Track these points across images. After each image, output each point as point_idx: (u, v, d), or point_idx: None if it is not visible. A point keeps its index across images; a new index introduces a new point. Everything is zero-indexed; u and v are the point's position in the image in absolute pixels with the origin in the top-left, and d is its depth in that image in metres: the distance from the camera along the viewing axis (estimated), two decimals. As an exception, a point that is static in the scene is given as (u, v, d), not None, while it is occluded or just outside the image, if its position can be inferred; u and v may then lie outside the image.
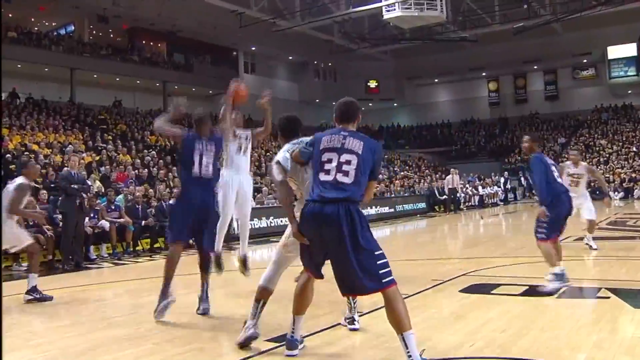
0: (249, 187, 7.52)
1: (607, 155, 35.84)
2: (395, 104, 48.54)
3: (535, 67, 44.76)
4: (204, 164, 6.45)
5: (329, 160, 4.19)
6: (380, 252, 4.02)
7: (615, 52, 41.14)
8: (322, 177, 4.17)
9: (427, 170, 35.68)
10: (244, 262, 7.63)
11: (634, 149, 35.58)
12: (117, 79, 32.18)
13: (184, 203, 6.48)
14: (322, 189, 4.12)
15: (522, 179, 35.45)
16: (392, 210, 24.47)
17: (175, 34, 34.22)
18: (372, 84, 45.10)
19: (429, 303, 6.58)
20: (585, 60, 43.21)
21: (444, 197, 27.13)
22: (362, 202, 4.18)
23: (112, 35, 34.17)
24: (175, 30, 33.76)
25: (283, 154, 4.81)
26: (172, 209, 6.56)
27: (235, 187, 7.25)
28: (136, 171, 18.56)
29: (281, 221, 16.98)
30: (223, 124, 7.01)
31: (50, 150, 18.97)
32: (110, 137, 22.96)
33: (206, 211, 6.53)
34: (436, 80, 48.23)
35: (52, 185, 14.14)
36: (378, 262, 3.98)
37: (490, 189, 31.89)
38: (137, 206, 14.38)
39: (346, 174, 4.12)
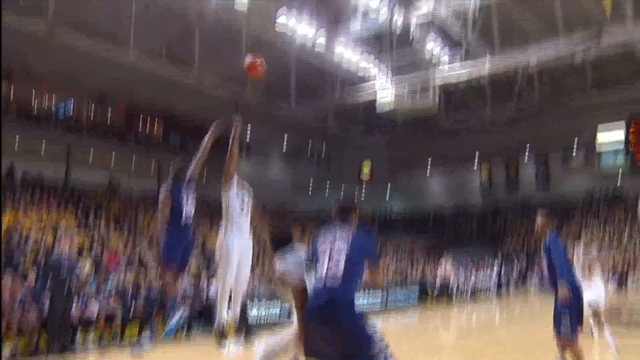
0: (249, 252, 7.04)
1: (600, 241, 35.75)
2: (388, 190, 48.80)
3: (526, 153, 45.27)
4: (189, 210, 7.35)
5: (323, 258, 4.34)
6: (379, 343, 4.16)
7: (604, 138, 41.65)
8: (317, 274, 4.33)
9: (419, 258, 35.50)
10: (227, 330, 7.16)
11: (626, 235, 35.59)
12: (113, 159, 32.33)
13: (175, 240, 7.16)
14: (316, 291, 4.28)
15: (517, 262, 35.33)
16: (383, 300, 23.21)
17: (172, 115, 34.61)
18: (366, 168, 45.49)
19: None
20: (575, 147, 43.76)
21: (437, 286, 26.86)
22: (370, 286, 4.46)
23: (110, 115, 34.46)
24: (172, 112, 34.17)
25: (292, 261, 4.94)
26: (166, 241, 7.12)
27: (237, 253, 6.81)
28: (128, 255, 18.45)
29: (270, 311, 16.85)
30: (228, 162, 7.13)
31: (42, 229, 18.86)
32: (103, 218, 22.90)
33: (189, 251, 7.43)
34: (429, 166, 48.65)
35: (42, 270, 13.97)
36: (376, 353, 4.08)
37: (483, 276, 31.72)
38: (127, 292, 14.21)
39: (337, 269, 4.25)
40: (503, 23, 28.39)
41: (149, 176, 33.78)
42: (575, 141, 43.05)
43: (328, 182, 40.42)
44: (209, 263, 20.75)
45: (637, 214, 35.06)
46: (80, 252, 16.69)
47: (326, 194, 40.48)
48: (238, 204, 7.02)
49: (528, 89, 34.91)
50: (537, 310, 20.82)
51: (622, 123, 40.03)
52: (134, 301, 14.03)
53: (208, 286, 16.17)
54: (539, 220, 7.24)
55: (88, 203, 25.03)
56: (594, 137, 42.06)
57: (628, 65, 33.02)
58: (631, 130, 40.44)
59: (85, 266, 15.44)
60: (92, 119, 32.60)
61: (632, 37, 26.99)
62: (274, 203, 37.95)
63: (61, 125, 30.38)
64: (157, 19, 27.07)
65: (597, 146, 42.22)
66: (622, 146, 41.06)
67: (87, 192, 27.11)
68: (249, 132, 38.89)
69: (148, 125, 35.69)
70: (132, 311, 13.81)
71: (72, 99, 31.64)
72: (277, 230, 5.69)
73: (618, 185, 41.50)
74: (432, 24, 27.02)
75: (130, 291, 14.23)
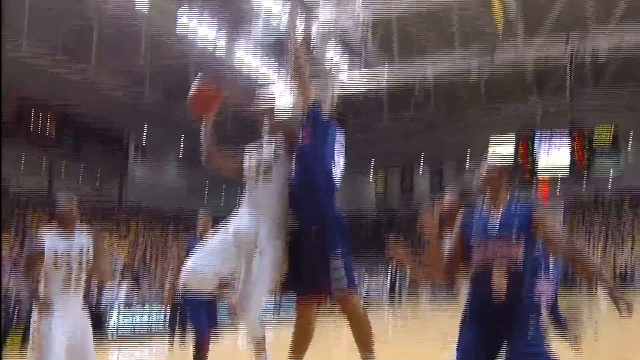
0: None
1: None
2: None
3: (421, 164, 46.43)
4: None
5: None
6: None
7: (496, 150, 43.18)
8: None
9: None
10: None
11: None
12: (2, 155, 30.79)
13: None
14: None
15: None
16: (276, 307, 23.02)
17: (65, 114, 33.41)
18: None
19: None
20: (468, 158, 45.28)
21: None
22: None
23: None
24: (66, 111, 33.03)
25: None
26: None
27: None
28: (13, 257, 17.78)
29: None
30: None
31: None
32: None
33: None
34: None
35: None
36: None
37: (376, 284, 32.23)
38: (10, 296, 13.64)
39: None
40: (402, 36, 29.03)
41: (39, 175, 32.46)
42: (469, 152, 44.56)
43: (224, 186, 40.04)
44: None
45: None
46: None
47: (222, 199, 40.11)
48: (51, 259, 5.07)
49: (424, 101, 35.86)
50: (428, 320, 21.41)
51: (513, 136, 41.75)
52: (17, 305, 13.46)
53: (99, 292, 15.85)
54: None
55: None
56: (486, 148, 43.65)
57: (519, 82, 34.50)
58: (521, 143, 42.25)
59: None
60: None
61: (523, 56, 28.18)
62: (169, 206, 37.41)
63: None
64: (55, 12, 26.23)
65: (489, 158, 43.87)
66: (512, 158, 42.81)
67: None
68: (145, 134, 38.17)
69: (40, 123, 34.28)
70: (15, 317, 13.27)
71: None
72: None
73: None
74: (333, 33, 27.27)
75: (14, 295, 13.63)
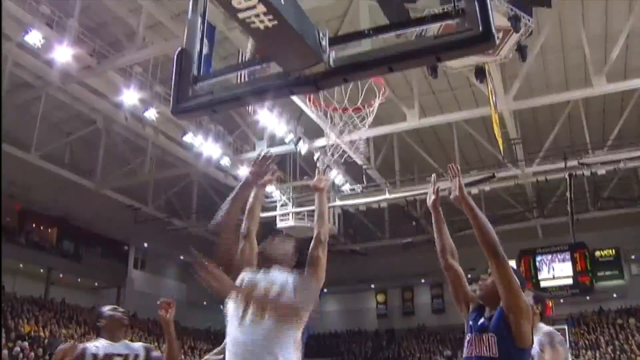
0: None
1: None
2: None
3: (422, 280, 45.93)
4: None
5: None
6: None
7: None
8: None
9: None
10: None
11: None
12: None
13: None
14: None
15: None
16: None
17: (67, 221, 33.68)
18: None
19: None
20: (469, 276, 44.72)
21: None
22: None
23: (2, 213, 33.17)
24: (67, 217, 33.29)
25: None
26: None
27: None
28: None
29: None
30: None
31: None
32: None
33: None
34: (325, 290, 48.38)
35: None
36: None
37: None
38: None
39: None
40: (404, 155, 29.61)
41: (36, 280, 32.37)
42: (471, 270, 44.19)
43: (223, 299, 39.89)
44: None
45: None
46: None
47: (220, 312, 39.78)
48: None
49: (425, 218, 36.09)
50: None
51: (515, 253, 41.76)
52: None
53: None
54: None
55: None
56: (488, 267, 43.51)
57: (520, 202, 34.91)
58: (522, 262, 42.13)
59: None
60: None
61: (523, 177, 28.70)
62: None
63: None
64: (62, 122, 26.82)
65: (490, 276, 43.74)
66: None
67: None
68: (146, 244, 38.24)
69: (42, 228, 34.58)
70: None
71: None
72: None
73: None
74: (335, 154, 27.66)
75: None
